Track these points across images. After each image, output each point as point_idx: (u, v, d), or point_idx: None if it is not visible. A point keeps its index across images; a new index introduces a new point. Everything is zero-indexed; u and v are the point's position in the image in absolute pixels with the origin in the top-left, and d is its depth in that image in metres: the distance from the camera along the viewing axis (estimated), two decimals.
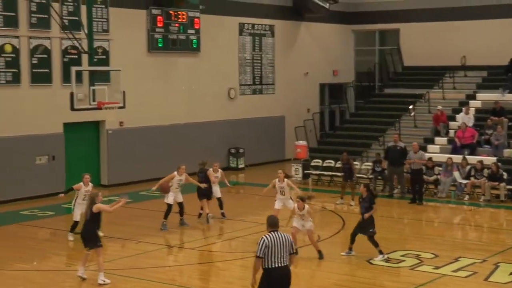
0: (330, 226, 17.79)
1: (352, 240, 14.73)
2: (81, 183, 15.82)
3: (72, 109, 17.87)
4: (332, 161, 24.12)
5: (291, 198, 16.50)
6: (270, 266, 9.23)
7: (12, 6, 20.40)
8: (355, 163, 23.31)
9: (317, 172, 24.29)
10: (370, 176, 22.81)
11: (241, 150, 27.23)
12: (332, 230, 17.11)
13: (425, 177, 21.22)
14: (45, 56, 21.28)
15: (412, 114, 26.42)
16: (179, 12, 24.93)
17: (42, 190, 21.14)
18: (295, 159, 26.32)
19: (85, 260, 13.03)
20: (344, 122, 30.06)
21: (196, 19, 25.52)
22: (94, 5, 21.63)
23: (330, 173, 23.82)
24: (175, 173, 17.10)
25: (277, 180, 16.64)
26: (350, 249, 14.75)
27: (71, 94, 17.59)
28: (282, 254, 9.26)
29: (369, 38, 33.35)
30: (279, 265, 9.25)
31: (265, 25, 28.67)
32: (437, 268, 13.77)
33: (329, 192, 22.50)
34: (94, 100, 18.06)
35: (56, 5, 20.86)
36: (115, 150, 23.27)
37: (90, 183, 15.89)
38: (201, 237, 16.97)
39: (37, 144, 21.15)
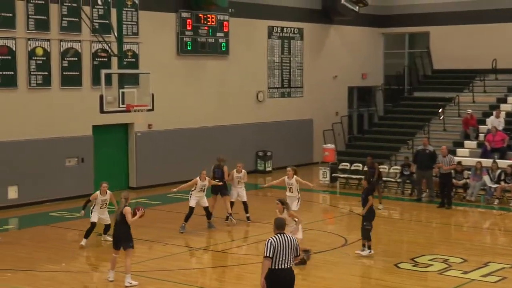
0: (358, 229, 17.66)
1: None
2: (98, 192, 15.88)
3: (102, 111, 17.98)
4: (360, 164, 24.02)
5: (298, 199, 16.67)
6: (276, 267, 9.35)
7: (43, 10, 20.63)
8: (382, 166, 23.22)
9: (345, 175, 24.21)
10: (398, 180, 22.69)
11: (268, 153, 27.24)
12: (359, 234, 16.99)
13: (454, 181, 21.06)
14: (75, 59, 21.49)
15: (442, 117, 26.22)
16: (208, 15, 25.04)
17: (71, 192, 21.33)
18: (323, 162, 26.26)
19: (114, 263, 13.10)
20: (373, 126, 29.92)
21: (225, 22, 25.60)
22: (124, 8, 21.80)
23: (358, 176, 23.72)
24: (197, 178, 17.16)
25: (286, 177, 16.81)
26: (363, 245, 15.00)
27: (101, 97, 17.70)
28: (288, 256, 9.39)
29: (398, 41, 33.16)
30: (285, 266, 9.37)
31: (294, 28, 28.66)
32: (465, 273, 13.65)
33: (356, 195, 22.31)
34: (123, 103, 18.14)
35: (86, 9, 21.06)
36: (143, 153, 23.42)
37: (108, 191, 15.88)
38: (228, 239, 17.01)
39: (67, 146, 21.36)
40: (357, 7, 29.61)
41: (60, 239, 16.66)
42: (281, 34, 28.21)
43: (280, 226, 9.66)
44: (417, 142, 24.36)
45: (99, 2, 21.45)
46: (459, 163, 21.54)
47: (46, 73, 20.87)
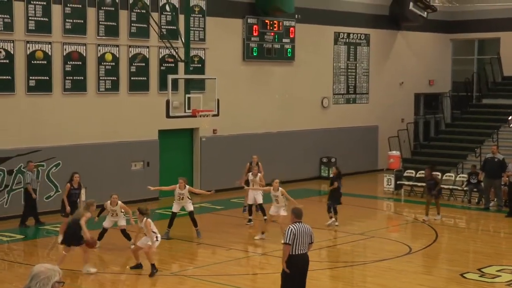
0: (422, 238, 17.48)
1: (328, 209, 18.40)
2: (108, 202, 16.16)
3: (168, 116, 18.20)
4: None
5: (285, 206, 16.66)
6: (294, 253, 10.29)
7: (113, 16, 21.05)
8: (449, 174, 22.87)
9: (410, 183, 23.90)
10: (465, 188, 22.29)
11: (332, 160, 27.11)
12: (424, 243, 16.80)
13: None
14: (143, 64, 21.85)
15: (511, 125, 25.64)
16: (274, 21, 25.12)
17: (136, 196, 21.61)
18: (388, 169, 26.00)
19: (62, 259, 13.64)
20: (439, 133, 29.47)
21: (291, 28, 25.64)
22: (192, 15, 22.07)
23: (423, 184, 23.37)
24: (176, 186, 17.17)
25: (271, 188, 16.84)
26: (331, 217, 18.21)
27: (167, 102, 17.92)
28: (304, 243, 10.34)
29: (467, 47, 32.61)
30: (302, 252, 10.35)
31: (361, 34, 28.50)
32: None
33: (422, 203, 22.04)
34: (189, 108, 18.31)
35: (155, 15, 21.39)
36: (208, 157, 23.62)
37: (118, 202, 16.13)
38: None
39: (133, 150, 21.71)
40: (425, 13, 29.24)
41: (126, 242, 16.88)
42: (347, 40, 28.08)
43: (298, 215, 10.49)
44: (485, 150, 23.87)
45: (167, 9, 21.77)
46: None
47: (115, 78, 21.27)
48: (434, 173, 20.75)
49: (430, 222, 19.09)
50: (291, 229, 10.26)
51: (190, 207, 17.03)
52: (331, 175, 21.01)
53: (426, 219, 19.41)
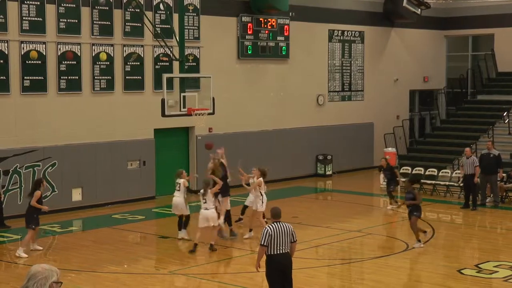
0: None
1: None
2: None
3: (163, 115, 18.17)
4: (421, 168, 23.73)
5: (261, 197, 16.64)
6: (273, 253, 10.37)
7: (107, 16, 21.00)
8: (445, 170, 22.94)
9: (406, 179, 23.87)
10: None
11: (329, 157, 27.12)
12: (422, 239, 16.78)
13: None
14: (137, 63, 21.81)
15: (506, 121, 25.69)
16: (269, 19, 25.10)
17: (132, 195, 21.65)
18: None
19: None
20: (435, 129, 29.51)
21: (286, 26, 25.62)
22: (186, 13, 22.02)
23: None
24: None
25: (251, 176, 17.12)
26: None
27: (162, 101, 17.88)
28: (283, 242, 10.36)
29: (461, 44, 32.65)
30: (282, 251, 10.36)
31: (355, 31, 28.49)
32: None
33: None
34: (184, 107, 18.31)
35: (149, 14, 21.35)
36: (204, 156, 23.54)
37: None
38: None
39: (129, 149, 21.68)
40: (419, 10, 29.25)
41: (123, 241, 16.90)
42: (341, 38, 28.07)
43: (276, 215, 10.64)
44: (481, 146, 23.91)
45: (161, 7, 21.73)
46: None
47: (110, 78, 21.22)
48: (414, 185, 19.79)
49: (427, 218, 19.14)
50: (267, 230, 10.36)
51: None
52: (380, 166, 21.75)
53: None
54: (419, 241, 15.83)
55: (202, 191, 15.51)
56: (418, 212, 16.06)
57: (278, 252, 10.35)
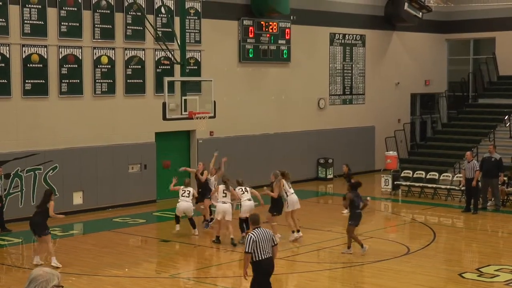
0: (420, 238, 17.47)
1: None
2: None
3: (164, 118, 18.19)
4: (423, 172, 23.73)
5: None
6: (260, 258, 10.43)
7: (109, 19, 21.02)
8: (446, 174, 22.91)
9: (407, 183, 23.91)
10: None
11: (330, 161, 27.11)
12: (422, 243, 16.80)
13: None
14: (139, 67, 21.82)
15: (508, 124, 25.68)
16: (270, 23, 25.11)
17: (134, 198, 21.65)
18: (385, 169, 25.99)
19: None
20: (436, 133, 29.51)
21: (287, 30, 25.64)
22: (187, 17, 22.04)
23: (420, 184, 23.42)
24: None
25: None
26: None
27: (164, 104, 17.91)
28: (266, 247, 10.48)
29: (463, 47, 32.66)
30: (266, 256, 10.48)
31: (356, 35, 28.51)
32: None
33: (419, 203, 22.10)
34: (185, 110, 18.31)
35: (150, 17, 21.37)
36: (205, 160, 23.53)
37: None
38: (289, 247, 16.95)
39: (130, 153, 21.68)
40: (420, 13, 29.26)
41: (123, 244, 16.91)
42: (343, 41, 28.09)
43: (255, 221, 10.75)
44: (482, 149, 23.90)
45: (163, 11, 21.76)
46: None
47: (111, 81, 21.24)
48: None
49: (428, 222, 19.13)
50: (251, 237, 10.42)
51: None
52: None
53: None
54: (348, 248, 15.57)
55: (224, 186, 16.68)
56: (353, 221, 15.62)
57: (264, 257, 10.45)
